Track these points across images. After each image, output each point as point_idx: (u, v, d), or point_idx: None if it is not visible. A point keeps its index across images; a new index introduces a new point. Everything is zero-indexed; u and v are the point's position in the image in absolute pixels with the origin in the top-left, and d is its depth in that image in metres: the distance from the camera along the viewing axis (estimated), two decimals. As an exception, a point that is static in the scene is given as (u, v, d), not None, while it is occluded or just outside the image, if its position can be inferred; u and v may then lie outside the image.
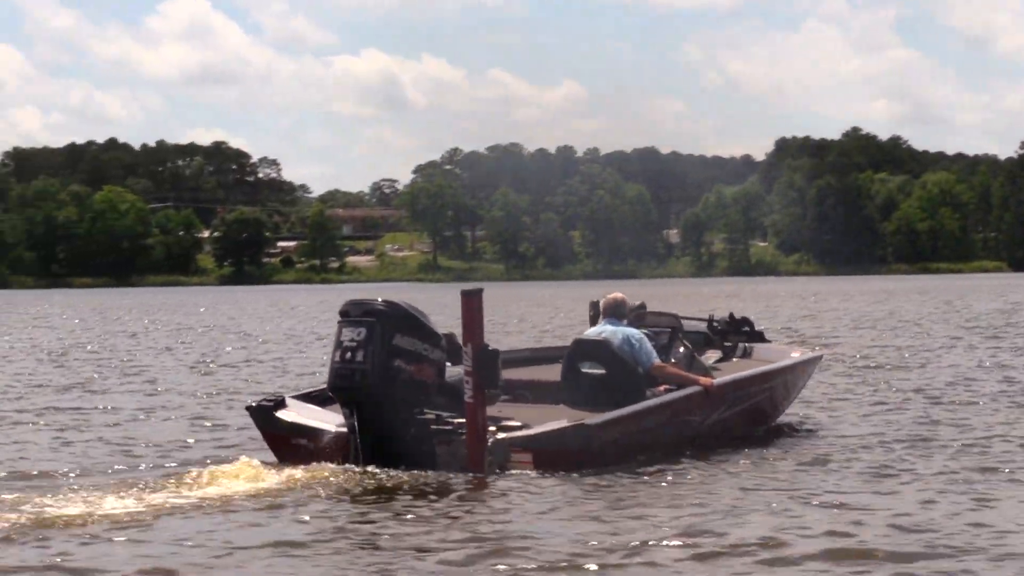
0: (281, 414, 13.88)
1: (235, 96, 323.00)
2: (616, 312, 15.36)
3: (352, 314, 13.24)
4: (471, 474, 12.97)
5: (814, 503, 11.84)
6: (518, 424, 13.63)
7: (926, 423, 17.03)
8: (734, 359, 17.26)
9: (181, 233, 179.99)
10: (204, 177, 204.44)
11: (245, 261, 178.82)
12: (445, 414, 13.40)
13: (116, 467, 14.24)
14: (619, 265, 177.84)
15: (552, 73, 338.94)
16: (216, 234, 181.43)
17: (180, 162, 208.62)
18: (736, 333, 17.79)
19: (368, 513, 11.50)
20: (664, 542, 10.29)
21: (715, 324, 17.91)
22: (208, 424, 18.01)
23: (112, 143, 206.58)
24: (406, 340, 13.16)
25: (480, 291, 13.15)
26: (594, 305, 17.26)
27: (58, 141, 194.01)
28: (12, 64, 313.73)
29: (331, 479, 12.82)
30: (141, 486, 12.49)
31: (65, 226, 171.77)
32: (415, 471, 12.99)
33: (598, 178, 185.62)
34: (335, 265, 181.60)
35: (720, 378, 15.31)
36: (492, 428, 13.40)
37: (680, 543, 10.25)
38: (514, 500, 12.04)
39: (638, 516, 11.29)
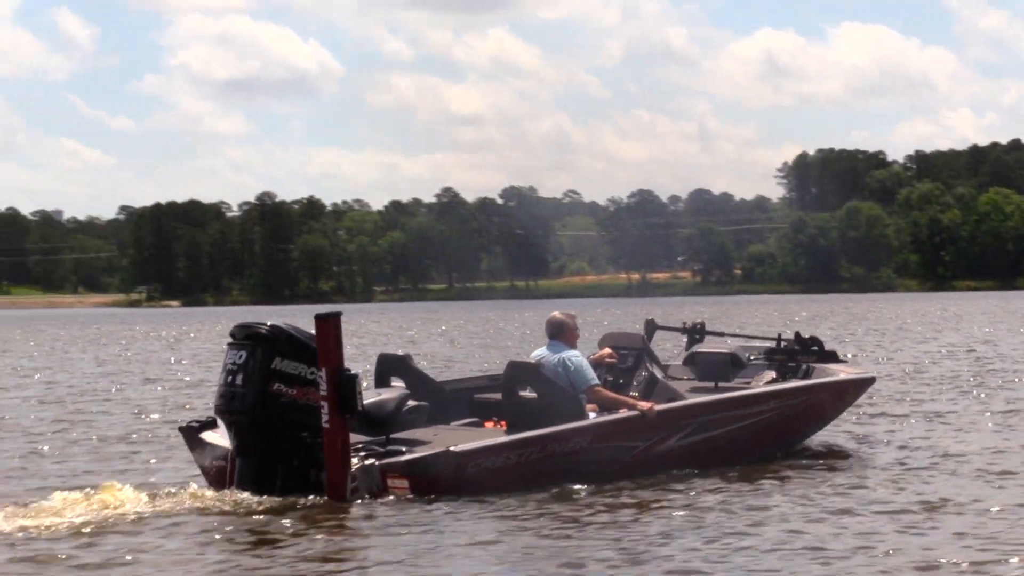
0: (205, 435, 13.91)
1: None
2: (555, 333, 14.50)
3: (237, 337, 13.31)
4: (334, 501, 12.71)
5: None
6: (403, 449, 13.26)
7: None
8: (793, 379, 16.07)
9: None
10: None
11: None
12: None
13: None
14: None
15: None
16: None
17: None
18: (804, 353, 16.45)
19: (209, 539, 11.69)
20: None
21: (782, 344, 16.71)
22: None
23: (1015, 144, 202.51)
24: (288, 364, 13.01)
25: (338, 315, 12.88)
26: (649, 324, 16.49)
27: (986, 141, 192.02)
28: (946, 66, 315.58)
29: (191, 504, 12.94)
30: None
31: (950, 229, 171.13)
32: (278, 497, 12.86)
33: None
34: None
35: (672, 403, 14.20)
36: (363, 453, 13.13)
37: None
38: (361, 526, 12.00)
39: (474, 545, 11.20)
